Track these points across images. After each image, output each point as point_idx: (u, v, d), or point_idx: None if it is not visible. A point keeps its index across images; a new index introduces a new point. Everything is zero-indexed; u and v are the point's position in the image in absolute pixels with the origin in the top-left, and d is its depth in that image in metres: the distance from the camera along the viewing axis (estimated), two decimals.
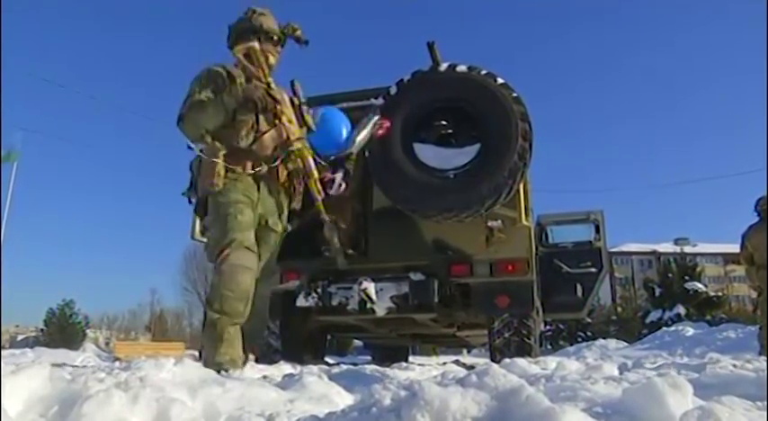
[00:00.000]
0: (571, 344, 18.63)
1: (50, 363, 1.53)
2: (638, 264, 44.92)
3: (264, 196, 2.62)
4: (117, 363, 2.52)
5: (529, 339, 3.97)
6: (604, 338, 16.71)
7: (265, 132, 2.62)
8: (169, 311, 41.99)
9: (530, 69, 58.88)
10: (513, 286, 3.98)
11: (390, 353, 7.38)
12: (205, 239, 2.77)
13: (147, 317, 43.03)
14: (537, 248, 4.93)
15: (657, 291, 23.44)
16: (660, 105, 67.97)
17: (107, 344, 32.07)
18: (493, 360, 3.72)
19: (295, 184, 2.77)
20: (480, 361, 6.96)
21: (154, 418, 1.06)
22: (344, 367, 2.84)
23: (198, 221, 3.88)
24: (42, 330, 30.97)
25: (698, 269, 24.38)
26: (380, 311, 3.97)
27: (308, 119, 2.84)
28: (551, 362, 3.15)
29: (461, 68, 3.87)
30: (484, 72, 3.82)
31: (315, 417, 1.11)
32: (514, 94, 3.72)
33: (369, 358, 8.33)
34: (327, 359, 5.26)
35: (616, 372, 2.18)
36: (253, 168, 2.55)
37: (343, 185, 3.20)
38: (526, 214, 3.92)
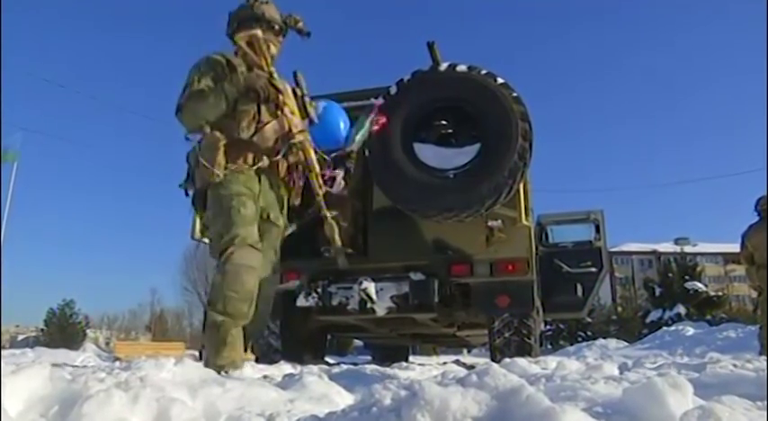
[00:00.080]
0: (571, 344, 18.64)
1: (51, 363, 1.53)
2: (638, 264, 44.91)
3: (265, 189, 2.53)
4: (117, 363, 2.52)
5: (529, 339, 3.97)
6: (605, 338, 16.75)
7: (267, 123, 2.53)
8: (169, 311, 42.03)
9: (530, 69, 58.92)
10: (514, 286, 3.99)
11: (390, 353, 7.39)
12: (206, 239, 2.70)
13: (147, 317, 43.07)
14: (537, 248, 4.94)
15: (658, 291, 23.45)
16: (660, 105, 68.01)
17: (107, 344, 32.07)
18: (493, 360, 3.72)
19: (295, 178, 2.69)
20: (480, 360, 6.96)
21: (154, 418, 1.06)
22: (345, 367, 2.85)
23: (198, 221, 3.87)
24: (42, 330, 30.99)
25: (698, 269, 24.40)
26: (381, 311, 3.97)
27: (311, 110, 2.75)
28: (551, 361, 3.16)
29: (461, 68, 3.88)
30: (484, 72, 3.83)
31: (315, 417, 1.11)
32: (514, 94, 3.72)
33: (369, 358, 8.34)
34: (327, 359, 5.26)
35: (616, 372, 2.18)
36: (253, 161, 2.47)
37: (343, 184, 3.19)
38: (526, 214, 3.92)
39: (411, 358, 8.40)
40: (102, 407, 1.01)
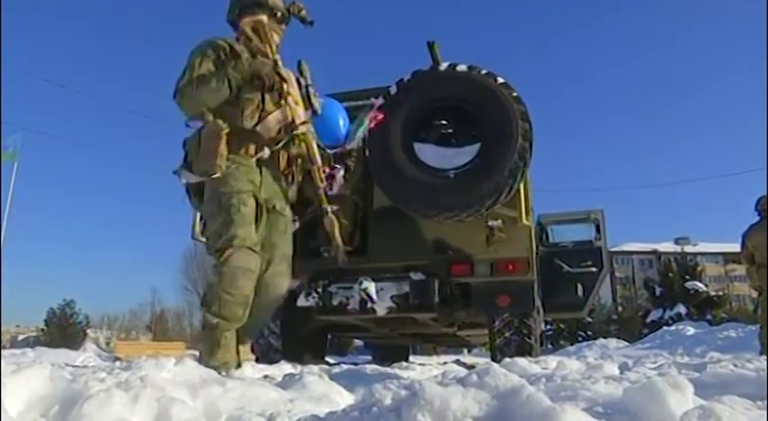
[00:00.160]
0: (572, 344, 18.63)
1: (51, 363, 1.53)
2: (638, 264, 44.91)
3: (267, 181, 2.45)
4: (117, 363, 2.52)
5: (529, 339, 3.97)
6: (605, 338, 16.76)
7: (270, 113, 2.45)
8: (170, 311, 41.98)
9: (530, 69, 58.84)
10: (514, 286, 3.98)
11: (391, 353, 7.38)
12: (204, 239, 2.65)
13: (147, 317, 43.01)
14: (537, 248, 4.93)
15: (658, 291, 23.46)
16: (660, 105, 67.92)
17: (108, 343, 32.04)
18: (493, 359, 3.72)
19: (294, 172, 2.61)
20: (481, 360, 6.96)
21: (154, 418, 1.06)
22: (345, 367, 2.85)
23: (198, 220, 3.86)
24: (43, 330, 31.00)
25: (698, 268, 24.42)
26: (381, 311, 3.97)
27: (315, 101, 2.63)
28: (552, 361, 3.15)
29: (461, 68, 3.88)
30: (484, 72, 3.83)
31: (315, 417, 1.11)
32: (514, 94, 3.72)
33: (369, 358, 8.33)
34: (328, 359, 5.26)
35: (617, 372, 2.18)
36: (255, 152, 2.38)
37: (342, 182, 3.18)
38: (526, 214, 3.92)
39: (411, 358, 8.39)
40: (102, 407, 1.01)
